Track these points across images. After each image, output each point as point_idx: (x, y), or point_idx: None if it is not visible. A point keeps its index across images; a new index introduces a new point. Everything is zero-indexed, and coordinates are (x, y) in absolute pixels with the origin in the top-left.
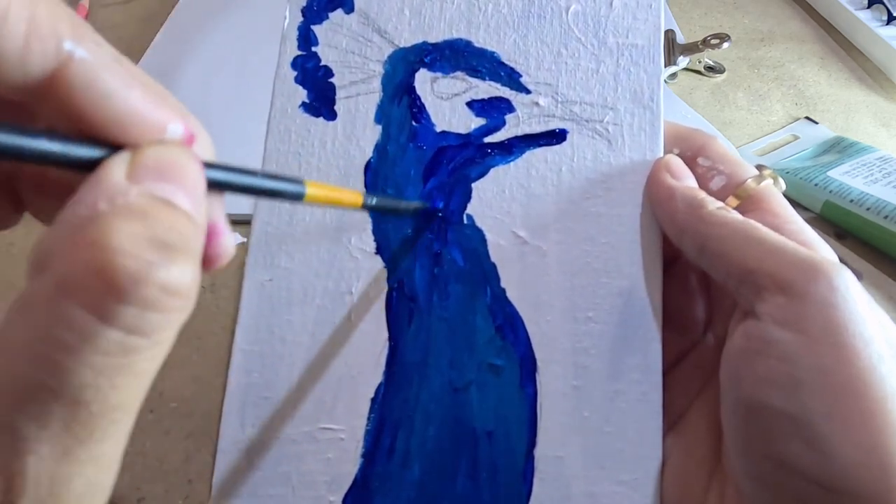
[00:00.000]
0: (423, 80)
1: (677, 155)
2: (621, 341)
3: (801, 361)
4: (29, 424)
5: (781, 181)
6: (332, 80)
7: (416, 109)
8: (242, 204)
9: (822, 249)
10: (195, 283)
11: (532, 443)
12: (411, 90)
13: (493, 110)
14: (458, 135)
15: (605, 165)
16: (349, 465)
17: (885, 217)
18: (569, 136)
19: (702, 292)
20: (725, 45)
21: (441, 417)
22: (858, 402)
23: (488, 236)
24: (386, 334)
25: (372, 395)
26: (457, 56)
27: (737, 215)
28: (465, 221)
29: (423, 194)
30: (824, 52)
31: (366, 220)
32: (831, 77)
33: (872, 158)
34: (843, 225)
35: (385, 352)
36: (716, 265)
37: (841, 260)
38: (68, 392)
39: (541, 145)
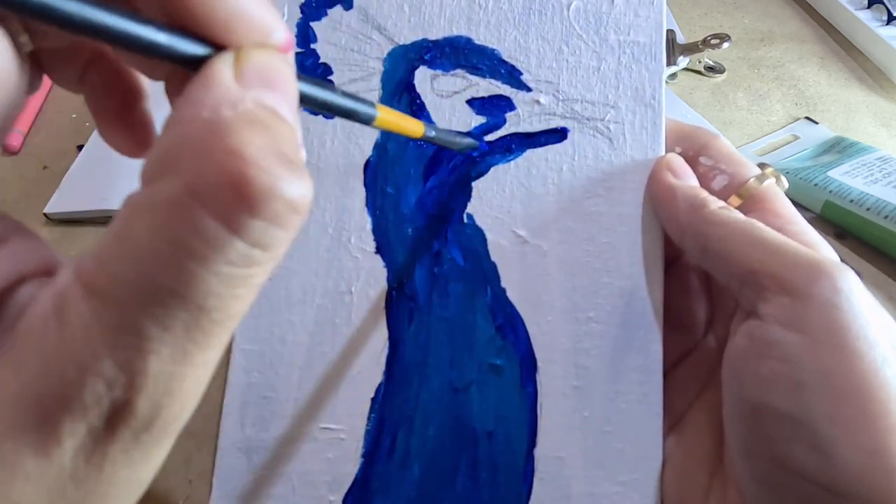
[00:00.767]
0: (423, 78)
1: (679, 154)
2: (622, 341)
3: (804, 363)
4: (154, 327)
5: (784, 180)
6: (332, 77)
7: (416, 107)
8: None
9: (824, 250)
10: (310, 200)
11: (532, 443)
12: (411, 88)
13: (494, 108)
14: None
15: (607, 164)
16: (349, 465)
17: (885, 217)
18: (570, 135)
19: (703, 292)
20: (725, 45)
21: (441, 417)
22: (861, 404)
23: (488, 236)
24: (386, 334)
25: (372, 394)
26: (457, 53)
27: (739, 215)
28: (466, 220)
29: (424, 192)
30: (824, 52)
31: (366, 220)
32: (831, 77)
33: (872, 158)
34: (843, 225)
35: (385, 351)
36: (718, 265)
37: (841, 260)
38: (194, 299)
39: (541, 144)
